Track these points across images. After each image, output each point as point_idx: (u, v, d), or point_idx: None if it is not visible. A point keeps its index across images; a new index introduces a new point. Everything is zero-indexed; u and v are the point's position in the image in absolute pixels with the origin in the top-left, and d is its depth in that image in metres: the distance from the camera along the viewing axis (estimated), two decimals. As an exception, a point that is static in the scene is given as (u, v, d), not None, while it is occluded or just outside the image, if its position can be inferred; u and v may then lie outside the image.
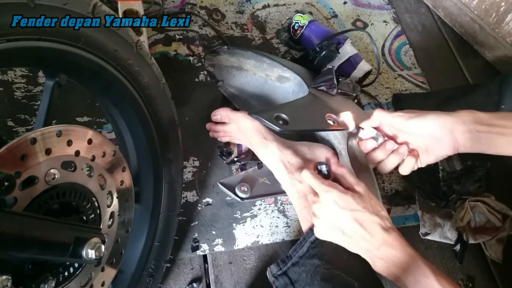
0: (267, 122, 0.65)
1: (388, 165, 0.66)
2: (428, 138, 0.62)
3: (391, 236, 0.56)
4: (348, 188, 0.60)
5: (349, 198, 0.58)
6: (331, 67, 0.92)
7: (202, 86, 1.00)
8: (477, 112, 0.60)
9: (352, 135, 0.77)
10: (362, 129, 0.67)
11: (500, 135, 0.59)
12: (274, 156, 0.81)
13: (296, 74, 0.89)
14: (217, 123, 0.91)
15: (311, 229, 0.69)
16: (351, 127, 0.68)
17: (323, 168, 0.65)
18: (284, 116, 0.68)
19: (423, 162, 0.65)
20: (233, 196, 0.86)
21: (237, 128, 0.86)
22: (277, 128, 0.66)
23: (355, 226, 0.57)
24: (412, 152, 0.64)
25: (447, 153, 0.62)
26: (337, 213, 0.58)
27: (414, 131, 0.63)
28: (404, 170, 0.66)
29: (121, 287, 0.66)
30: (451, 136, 0.60)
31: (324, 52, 0.96)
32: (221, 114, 0.89)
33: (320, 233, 0.61)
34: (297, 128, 0.72)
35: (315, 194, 0.62)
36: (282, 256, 0.69)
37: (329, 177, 0.65)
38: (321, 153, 0.86)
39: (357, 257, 0.66)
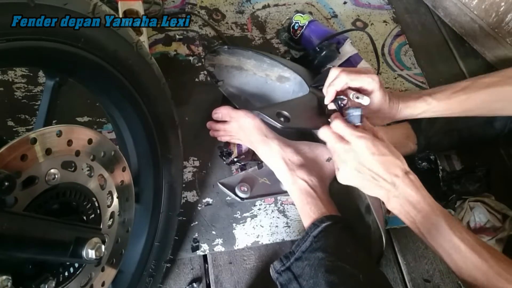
0: (269, 118, 0.65)
1: None
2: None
3: (411, 176, 0.61)
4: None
5: (379, 144, 0.61)
6: (331, 67, 0.92)
7: (202, 86, 1.00)
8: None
9: None
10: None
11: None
12: (275, 154, 0.81)
13: (296, 73, 0.89)
14: (217, 121, 0.91)
15: (314, 224, 0.69)
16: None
17: (357, 112, 0.64)
18: (285, 113, 0.68)
19: None
20: (233, 196, 0.86)
21: (238, 126, 0.87)
22: (278, 125, 0.66)
23: (381, 169, 0.61)
24: None
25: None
26: (368, 158, 0.61)
27: None
28: None
29: (121, 287, 0.66)
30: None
31: (324, 52, 0.96)
32: (222, 112, 0.89)
33: (345, 178, 0.65)
34: (298, 125, 0.72)
35: (343, 141, 0.63)
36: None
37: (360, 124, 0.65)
38: (321, 152, 0.86)
39: (361, 250, 0.66)
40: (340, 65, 1.01)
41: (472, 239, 0.56)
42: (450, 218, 0.58)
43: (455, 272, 0.57)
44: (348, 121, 0.64)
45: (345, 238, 0.67)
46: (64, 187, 0.45)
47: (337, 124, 0.64)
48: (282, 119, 0.67)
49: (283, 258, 0.69)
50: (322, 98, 0.76)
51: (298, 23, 1.09)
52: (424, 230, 0.59)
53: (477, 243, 0.56)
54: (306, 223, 0.72)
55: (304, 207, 0.74)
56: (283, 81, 0.95)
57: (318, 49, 0.97)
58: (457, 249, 0.56)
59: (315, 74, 0.90)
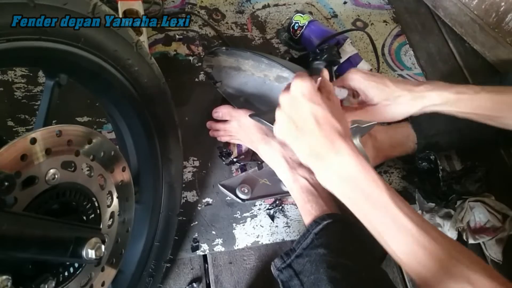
0: (269, 124, 0.66)
1: None
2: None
3: (345, 143, 0.51)
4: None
5: (317, 95, 0.54)
6: (320, 67, 0.92)
7: (202, 86, 1.00)
8: (447, 94, 0.64)
9: (352, 135, 0.77)
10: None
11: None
12: (276, 152, 0.81)
13: (294, 74, 0.88)
14: (217, 121, 0.91)
15: (315, 221, 0.69)
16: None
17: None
18: None
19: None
20: (234, 197, 0.86)
21: (238, 125, 0.87)
22: None
23: (311, 120, 0.53)
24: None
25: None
26: (299, 103, 0.54)
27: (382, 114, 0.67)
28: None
29: (121, 287, 0.66)
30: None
31: (325, 56, 0.95)
32: (223, 111, 0.89)
33: (278, 129, 0.58)
34: None
35: (287, 90, 0.57)
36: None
37: None
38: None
39: (362, 247, 0.66)
40: (340, 65, 1.01)
41: (420, 219, 0.48)
42: (395, 196, 0.49)
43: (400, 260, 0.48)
44: None
45: (346, 236, 0.67)
46: (64, 187, 0.45)
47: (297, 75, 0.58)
48: None
49: (283, 255, 0.69)
50: None
51: (298, 23, 1.09)
52: (363, 208, 0.51)
53: (430, 227, 0.47)
54: (307, 220, 0.72)
55: (305, 205, 0.74)
56: (281, 81, 0.95)
57: (319, 51, 0.96)
58: (404, 230, 0.47)
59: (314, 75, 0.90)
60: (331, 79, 0.80)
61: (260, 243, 0.86)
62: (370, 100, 0.68)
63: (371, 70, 1.05)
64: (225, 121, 0.90)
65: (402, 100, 0.64)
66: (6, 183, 0.36)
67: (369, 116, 0.67)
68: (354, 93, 0.69)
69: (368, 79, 0.66)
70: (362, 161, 0.50)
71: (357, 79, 0.67)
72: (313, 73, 0.82)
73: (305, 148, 0.54)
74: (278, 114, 0.57)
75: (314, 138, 0.53)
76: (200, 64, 1.02)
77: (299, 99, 0.54)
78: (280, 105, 0.56)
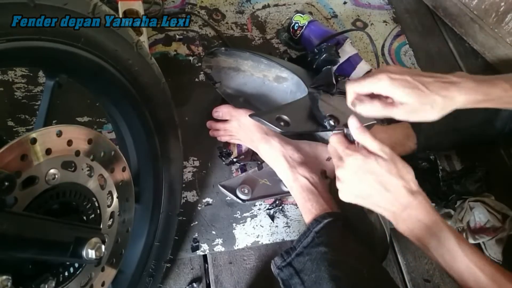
0: (269, 123, 0.66)
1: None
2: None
3: (417, 199, 0.57)
4: (372, 153, 0.59)
5: (373, 162, 0.58)
6: (329, 67, 0.92)
7: (202, 86, 1.00)
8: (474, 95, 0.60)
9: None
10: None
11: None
12: (276, 151, 0.81)
13: (294, 74, 0.88)
14: (218, 120, 0.91)
15: (315, 220, 0.69)
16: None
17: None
18: (285, 117, 0.68)
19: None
20: (234, 198, 0.86)
21: (238, 125, 0.87)
22: (278, 130, 0.66)
23: (379, 188, 0.58)
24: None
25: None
26: (361, 177, 0.59)
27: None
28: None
29: (121, 287, 0.66)
30: None
31: (324, 56, 0.94)
32: (223, 111, 0.89)
33: (345, 197, 0.62)
34: (299, 129, 0.72)
35: (340, 158, 0.61)
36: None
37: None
38: (321, 151, 0.86)
39: (363, 246, 0.66)
40: (339, 65, 1.01)
41: (488, 265, 0.54)
42: (461, 239, 0.56)
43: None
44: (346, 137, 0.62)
45: (347, 234, 0.68)
46: (64, 187, 0.45)
47: (332, 138, 0.63)
48: (282, 123, 0.67)
49: (284, 254, 0.69)
50: (321, 99, 0.76)
51: (298, 23, 1.09)
52: (437, 255, 0.57)
53: (496, 271, 0.53)
54: (308, 219, 0.72)
55: (305, 203, 0.74)
56: (280, 82, 0.95)
57: (317, 51, 0.96)
58: (475, 276, 0.54)
59: (314, 75, 0.90)
60: (331, 79, 0.80)
61: (260, 243, 0.86)
62: (400, 102, 0.61)
63: (370, 70, 1.05)
64: (225, 120, 0.90)
65: (437, 105, 0.60)
66: (6, 183, 0.36)
67: (403, 115, 0.61)
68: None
69: (398, 86, 0.59)
70: (431, 212, 0.57)
71: (383, 86, 0.60)
72: (322, 76, 0.82)
73: (379, 209, 0.60)
74: (342, 186, 0.62)
75: (387, 203, 0.59)
76: (200, 64, 1.02)
77: (360, 174, 0.59)
78: (341, 179, 0.61)
